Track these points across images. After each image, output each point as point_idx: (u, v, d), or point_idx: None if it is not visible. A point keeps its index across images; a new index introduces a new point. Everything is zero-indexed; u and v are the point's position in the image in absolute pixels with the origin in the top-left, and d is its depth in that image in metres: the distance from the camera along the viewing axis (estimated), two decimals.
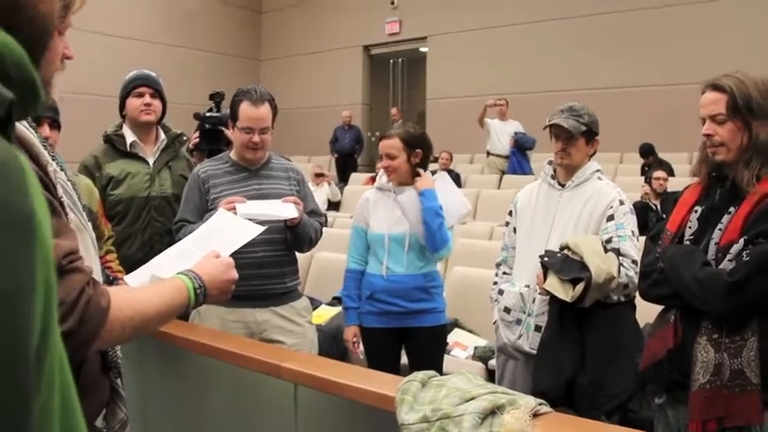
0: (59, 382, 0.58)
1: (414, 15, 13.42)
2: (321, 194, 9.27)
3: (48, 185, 1.17)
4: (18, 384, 0.48)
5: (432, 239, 3.12)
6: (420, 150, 3.21)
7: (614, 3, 11.12)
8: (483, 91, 12.03)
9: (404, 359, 3.30)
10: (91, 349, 1.18)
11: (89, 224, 1.34)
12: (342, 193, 10.24)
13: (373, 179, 10.69)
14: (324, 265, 5.08)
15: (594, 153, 2.97)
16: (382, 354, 3.23)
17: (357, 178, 11.55)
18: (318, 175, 9.91)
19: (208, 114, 3.57)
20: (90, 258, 1.27)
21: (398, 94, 14.81)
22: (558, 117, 2.85)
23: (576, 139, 2.85)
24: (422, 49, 13.79)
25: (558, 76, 11.23)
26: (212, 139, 3.51)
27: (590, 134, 2.88)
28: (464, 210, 3.38)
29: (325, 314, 4.38)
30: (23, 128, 1.18)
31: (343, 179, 12.01)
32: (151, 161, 3.21)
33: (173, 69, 11.15)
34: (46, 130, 2.46)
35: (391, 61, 14.76)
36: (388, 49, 14.35)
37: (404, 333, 3.20)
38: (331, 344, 3.91)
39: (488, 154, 10.59)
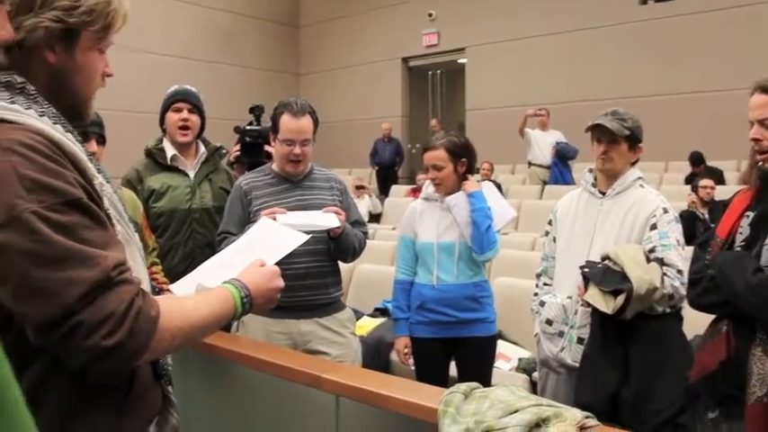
0: None
1: (452, 27, 13.43)
2: (362, 207, 9.28)
3: (94, 198, 1.19)
4: None
5: (479, 240, 3.10)
6: (465, 159, 3.20)
7: (656, 9, 10.99)
8: (522, 101, 11.97)
9: (452, 371, 3.27)
10: (142, 359, 1.18)
11: (136, 235, 1.35)
12: (382, 205, 10.25)
13: (414, 191, 10.70)
14: (365, 276, 5.07)
15: (637, 161, 2.90)
16: (431, 365, 3.20)
17: (398, 190, 11.56)
18: (359, 188, 9.94)
19: (248, 128, 3.60)
20: (138, 269, 1.28)
21: (437, 105, 14.82)
22: (602, 119, 2.80)
23: (619, 142, 2.79)
24: (460, 61, 13.78)
25: (599, 84, 11.13)
26: (252, 151, 3.53)
27: (633, 140, 2.82)
28: (510, 215, 3.38)
29: (368, 325, 4.36)
30: (70, 142, 1.20)
31: (383, 191, 12.02)
32: (192, 174, 3.24)
33: (213, 85, 11.31)
34: (93, 145, 2.51)
35: (430, 73, 14.79)
36: (426, 60, 14.38)
37: (453, 343, 3.16)
38: (373, 355, 3.89)
39: (530, 164, 10.50)
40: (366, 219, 9.08)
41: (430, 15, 13.76)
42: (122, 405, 1.24)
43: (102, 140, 2.63)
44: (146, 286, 1.27)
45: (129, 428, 1.26)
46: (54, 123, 1.20)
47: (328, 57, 15.32)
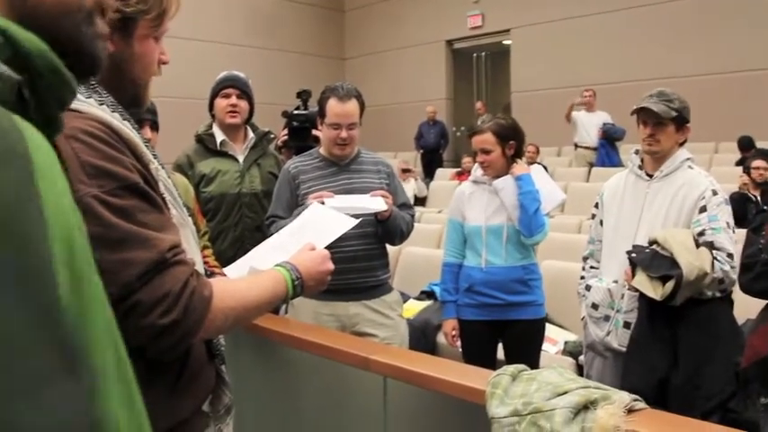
0: (112, 342, 0.60)
1: (496, 8, 13.29)
2: (408, 190, 9.30)
3: (150, 182, 1.23)
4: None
5: (527, 223, 3.09)
6: (513, 141, 3.19)
7: None
8: (568, 82, 11.81)
9: (500, 353, 3.28)
10: (196, 338, 1.22)
11: (189, 219, 1.39)
12: (428, 188, 10.25)
13: (459, 174, 10.67)
14: (411, 259, 5.10)
15: (685, 141, 2.85)
16: (479, 347, 3.21)
17: (443, 173, 11.53)
18: (405, 171, 9.95)
19: (295, 112, 3.63)
20: (192, 252, 1.32)
21: (482, 88, 14.70)
22: (648, 101, 2.76)
23: (666, 124, 2.75)
24: (505, 42, 13.63)
25: (646, 64, 10.89)
26: (300, 136, 3.56)
27: (680, 120, 2.77)
28: (560, 198, 3.38)
29: (414, 308, 4.39)
30: (128, 129, 1.24)
31: (428, 174, 12.01)
32: (241, 159, 3.29)
33: (258, 71, 11.35)
34: (147, 132, 2.57)
35: (474, 55, 14.66)
36: (470, 43, 14.24)
37: (501, 326, 3.17)
38: (419, 338, 3.92)
39: (576, 146, 10.36)
40: (412, 202, 9.11)
41: None
42: (177, 383, 1.28)
43: (155, 127, 2.69)
44: (199, 268, 1.31)
45: (183, 406, 1.30)
46: (112, 111, 1.24)
47: (373, 40, 15.29)
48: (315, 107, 3.38)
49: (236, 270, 1.72)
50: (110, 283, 1.08)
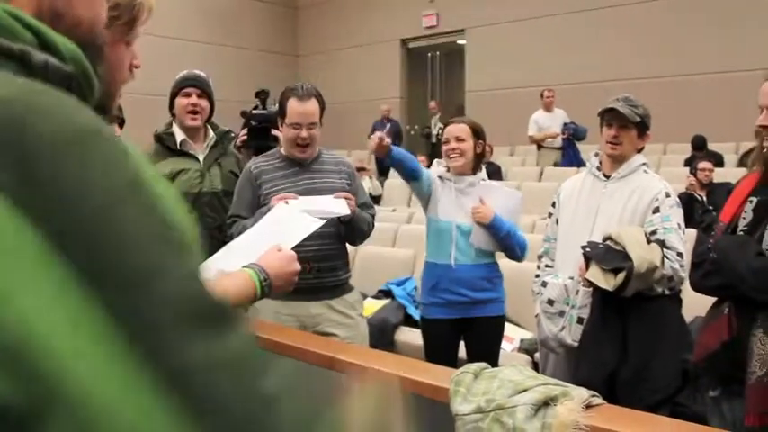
0: None
1: (451, 8, 13.37)
2: None
3: None
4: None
5: (518, 254, 3.24)
6: (482, 142, 3.29)
7: None
8: (522, 83, 11.98)
9: (461, 352, 3.32)
10: None
11: None
12: (382, 186, 10.27)
13: None
14: (368, 258, 5.12)
15: (643, 149, 2.97)
16: (442, 345, 3.25)
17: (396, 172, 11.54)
18: (360, 170, 9.91)
19: (254, 112, 3.63)
20: None
21: (437, 87, 14.80)
22: (614, 103, 2.86)
23: (629, 128, 2.85)
24: (459, 42, 13.75)
25: (598, 66, 11.13)
26: (259, 135, 3.56)
27: (642, 127, 2.88)
28: (519, 202, 3.41)
29: (372, 307, 4.42)
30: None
31: (382, 173, 12.02)
32: (201, 158, 3.27)
33: (210, 67, 11.07)
34: (117, 129, 2.54)
35: (429, 54, 14.76)
36: (425, 42, 14.34)
37: (464, 324, 3.21)
38: (378, 336, 3.95)
39: (539, 147, 10.25)
40: (366, 191, 9.11)
41: None
42: None
43: (121, 124, 2.66)
44: None
45: None
46: None
47: (327, 38, 15.26)
48: (273, 107, 3.39)
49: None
50: None
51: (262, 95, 3.76)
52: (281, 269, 1.55)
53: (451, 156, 3.25)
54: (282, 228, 2.11)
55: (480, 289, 3.19)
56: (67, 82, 0.64)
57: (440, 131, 12.38)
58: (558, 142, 9.98)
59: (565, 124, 9.88)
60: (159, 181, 0.53)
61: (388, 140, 3.06)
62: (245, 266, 1.51)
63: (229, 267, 1.57)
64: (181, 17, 13.21)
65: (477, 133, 3.26)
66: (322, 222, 2.25)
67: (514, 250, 3.22)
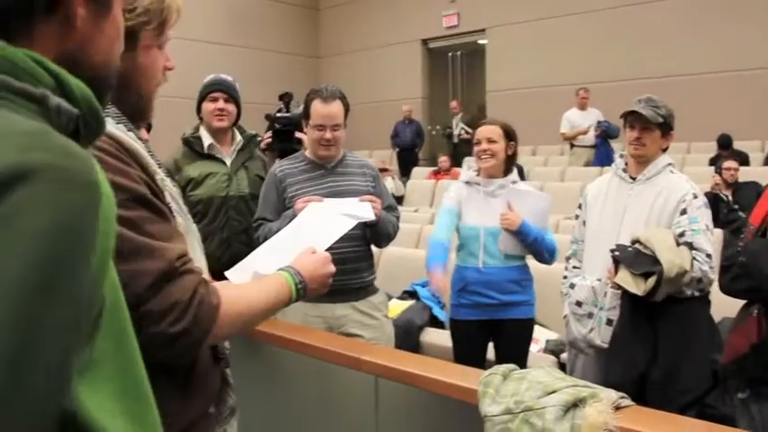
0: (115, 330, 0.74)
1: (472, 7, 13.34)
2: None
3: (156, 193, 1.25)
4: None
5: (542, 260, 3.23)
6: (513, 143, 3.29)
7: None
8: (543, 82, 11.95)
9: (489, 353, 3.33)
10: (205, 346, 1.25)
11: (194, 225, 1.42)
12: (405, 187, 10.29)
13: (436, 173, 10.72)
14: (392, 259, 5.13)
15: (667, 148, 2.96)
16: (471, 347, 3.26)
17: (419, 172, 11.57)
18: (382, 170, 9.94)
19: (278, 115, 3.66)
20: (197, 258, 1.34)
21: (458, 87, 14.77)
22: (636, 105, 2.86)
23: (652, 129, 2.85)
24: (480, 42, 13.71)
25: (621, 65, 11.05)
26: (284, 138, 3.59)
27: (666, 127, 2.87)
28: (549, 205, 3.36)
29: (396, 308, 4.44)
30: (132, 140, 1.26)
31: (404, 173, 12.05)
32: (228, 162, 3.31)
33: (232, 69, 11.17)
34: (144, 133, 2.58)
35: (450, 54, 14.73)
36: (446, 42, 14.30)
37: (493, 325, 3.22)
38: (403, 337, 3.97)
39: (572, 145, 10.19)
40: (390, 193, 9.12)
41: None
42: (186, 387, 1.30)
43: (149, 127, 2.70)
44: (205, 274, 1.34)
45: (192, 409, 1.32)
46: (117, 123, 1.25)
47: (348, 39, 15.29)
48: (297, 109, 3.41)
49: (237, 274, 1.74)
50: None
51: (285, 98, 3.79)
52: (316, 271, 1.55)
53: (482, 157, 3.25)
54: (315, 228, 2.12)
55: (509, 291, 3.19)
56: (75, 122, 0.73)
57: (461, 131, 12.49)
58: (591, 140, 9.90)
59: (598, 122, 9.78)
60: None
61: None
62: (280, 269, 1.52)
63: (265, 270, 1.59)
64: (204, 19, 13.30)
65: (509, 135, 3.26)
66: (355, 223, 2.26)
67: (542, 255, 3.21)
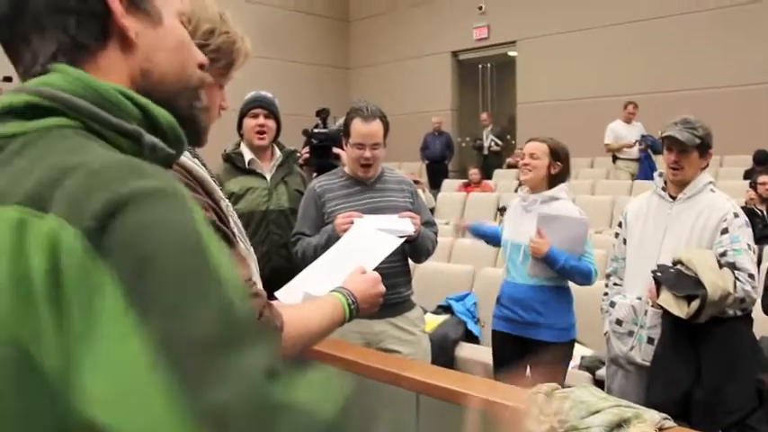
0: None
1: (502, 20, 13.34)
2: None
3: (222, 219, 1.29)
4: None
5: (575, 282, 3.23)
6: (560, 163, 3.31)
7: (711, 0, 10.78)
8: (574, 94, 11.91)
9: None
10: None
11: (251, 248, 1.46)
12: (435, 199, 10.29)
13: (466, 185, 10.72)
14: (427, 274, 5.14)
15: (707, 166, 2.95)
16: (506, 359, 3.27)
17: (449, 185, 11.57)
18: (413, 182, 9.95)
19: (315, 130, 3.71)
20: (256, 279, 1.38)
21: (488, 99, 14.78)
22: (673, 129, 2.85)
23: (690, 152, 2.84)
24: (511, 54, 13.71)
25: (652, 77, 10.98)
26: (321, 154, 3.64)
27: (704, 147, 2.86)
28: (585, 229, 3.25)
29: (431, 323, 4.46)
30: (198, 167, 1.30)
31: (434, 185, 12.06)
32: (268, 177, 3.36)
33: (265, 80, 11.37)
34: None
35: (480, 66, 14.75)
36: (476, 54, 14.31)
37: (527, 344, 3.21)
38: (438, 352, 3.98)
39: (615, 158, 10.07)
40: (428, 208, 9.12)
41: (480, 9, 13.67)
42: None
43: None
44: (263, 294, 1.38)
45: None
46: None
47: (378, 51, 15.37)
48: (335, 125, 3.46)
49: (287, 294, 1.78)
50: None
51: (323, 114, 3.85)
52: (367, 291, 1.59)
53: (523, 170, 3.35)
54: (362, 246, 2.15)
55: (532, 311, 3.19)
56: (169, 161, 0.78)
57: (491, 143, 12.48)
58: (635, 153, 9.82)
59: (642, 136, 9.70)
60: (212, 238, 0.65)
61: (465, 224, 3.25)
62: (333, 290, 1.55)
63: (316, 291, 1.62)
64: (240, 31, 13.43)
65: (555, 153, 3.30)
66: (401, 241, 2.28)
67: (574, 279, 3.20)
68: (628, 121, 9.98)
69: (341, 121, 3.73)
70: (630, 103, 10.01)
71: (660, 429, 1.78)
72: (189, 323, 0.57)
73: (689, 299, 2.55)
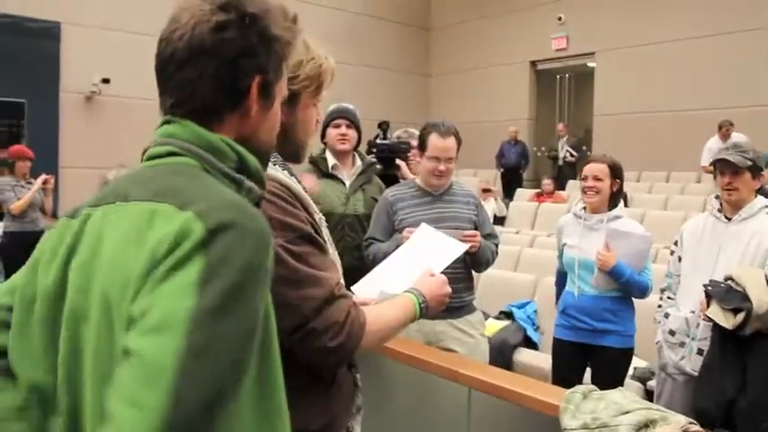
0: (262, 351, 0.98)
1: (581, 31, 13.30)
2: (488, 209, 9.42)
3: (317, 230, 1.52)
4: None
5: (632, 295, 3.42)
6: (619, 180, 3.50)
7: None
8: (651, 107, 11.81)
9: (587, 376, 3.50)
10: (352, 357, 1.54)
11: (336, 254, 1.68)
12: (507, 208, 10.38)
13: (538, 195, 10.78)
14: (491, 281, 5.32)
15: (761, 188, 3.10)
16: (568, 367, 3.49)
17: (522, 194, 11.62)
18: (485, 191, 10.06)
19: (378, 141, 3.96)
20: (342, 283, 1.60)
21: (565, 109, 14.74)
22: (724, 153, 3.03)
23: (742, 173, 3.00)
24: (589, 65, 13.65)
25: (733, 91, 10.79)
26: (383, 164, 3.87)
27: (755, 169, 3.02)
28: (648, 246, 3.46)
29: (493, 327, 4.64)
30: (295, 184, 1.53)
31: (508, 194, 12.10)
32: (348, 183, 3.62)
33: (344, 85, 11.65)
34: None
35: (558, 77, 14.72)
36: (555, 64, 14.31)
37: (590, 350, 3.43)
38: (497, 356, 4.17)
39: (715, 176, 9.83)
40: (491, 222, 9.24)
41: (559, 19, 13.67)
42: (330, 389, 1.57)
43: None
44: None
45: (334, 407, 1.58)
46: (282, 170, 1.54)
47: (457, 59, 15.49)
48: (394, 137, 3.70)
49: (362, 290, 2.02)
50: (293, 314, 1.43)
51: (383, 126, 4.10)
52: (436, 292, 1.78)
53: (588, 193, 3.50)
54: (430, 250, 2.37)
55: (603, 319, 3.39)
56: (259, 200, 1.10)
57: (566, 154, 12.45)
58: None
59: None
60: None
61: None
62: (406, 291, 1.75)
63: (390, 289, 1.86)
64: (319, 39, 13.76)
65: (615, 172, 3.47)
66: (467, 246, 2.47)
67: (632, 293, 3.39)
68: (725, 138, 9.69)
69: (398, 132, 4.01)
70: (727, 120, 9.83)
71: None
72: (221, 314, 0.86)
73: (736, 312, 2.72)
